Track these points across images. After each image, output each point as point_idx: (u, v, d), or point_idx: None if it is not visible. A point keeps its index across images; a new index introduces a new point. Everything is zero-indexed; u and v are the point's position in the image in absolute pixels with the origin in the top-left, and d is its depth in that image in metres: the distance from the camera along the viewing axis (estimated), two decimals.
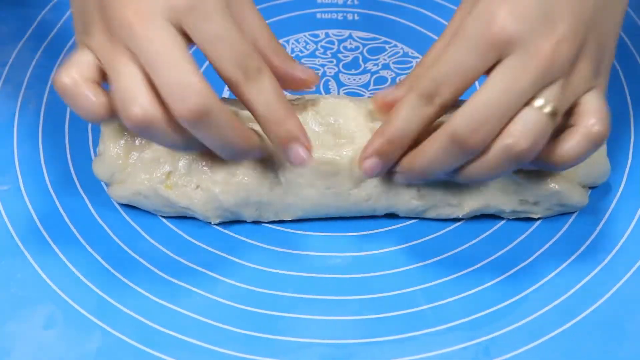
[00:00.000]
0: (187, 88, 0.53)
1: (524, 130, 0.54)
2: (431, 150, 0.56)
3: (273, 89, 0.56)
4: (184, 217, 0.64)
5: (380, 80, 0.73)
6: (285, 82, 0.59)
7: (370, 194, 0.62)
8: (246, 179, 0.61)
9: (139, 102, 0.53)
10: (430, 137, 0.56)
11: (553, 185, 0.62)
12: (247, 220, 0.64)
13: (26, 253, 0.63)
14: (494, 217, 0.65)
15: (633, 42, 0.74)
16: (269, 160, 0.61)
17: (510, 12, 0.53)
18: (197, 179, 0.62)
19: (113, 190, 0.63)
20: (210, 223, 0.64)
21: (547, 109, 0.54)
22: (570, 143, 0.55)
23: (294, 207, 0.63)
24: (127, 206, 0.65)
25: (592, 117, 0.55)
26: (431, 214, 0.64)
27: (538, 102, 0.54)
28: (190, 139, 0.56)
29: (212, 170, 0.62)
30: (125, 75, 0.54)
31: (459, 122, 0.54)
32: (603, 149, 0.63)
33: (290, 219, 0.64)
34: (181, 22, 0.54)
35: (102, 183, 0.66)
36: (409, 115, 0.56)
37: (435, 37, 0.74)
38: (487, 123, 0.54)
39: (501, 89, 0.53)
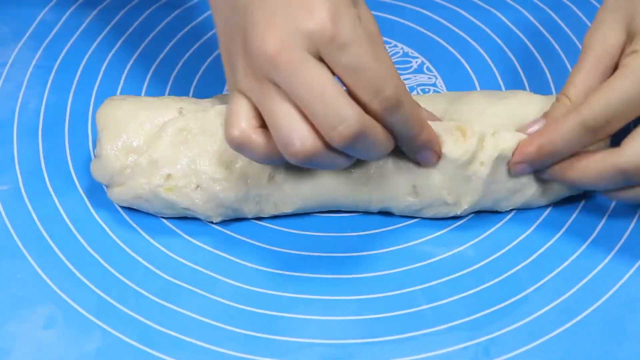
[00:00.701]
0: (338, 117, 0.53)
1: None
2: (593, 173, 0.59)
3: (411, 115, 0.57)
4: (184, 218, 0.64)
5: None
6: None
7: (368, 177, 0.62)
8: (245, 173, 0.62)
9: (297, 138, 0.54)
10: (594, 158, 0.59)
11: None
12: (248, 216, 0.64)
13: (26, 253, 0.63)
14: (494, 217, 0.65)
15: None
16: None
17: None
18: (197, 179, 0.62)
19: (113, 193, 0.63)
20: (212, 222, 0.64)
21: None
22: None
23: (293, 195, 0.63)
24: (127, 206, 0.65)
25: None
26: (428, 214, 0.64)
27: None
28: (350, 157, 0.57)
29: (211, 168, 0.62)
30: (278, 114, 0.54)
31: (631, 155, 0.58)
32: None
33: (290, 211, 0.64)
34: (319, 52, 0.54)
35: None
36: (571, 139, 0.59)
37: (436, 37, 0.75)
38: None
39: None
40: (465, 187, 0.62)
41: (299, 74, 0.53)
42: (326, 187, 0.62)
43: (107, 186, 0.64)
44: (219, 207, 0.63)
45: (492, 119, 0.63)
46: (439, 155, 0.61)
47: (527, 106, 0.63)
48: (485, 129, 0.62)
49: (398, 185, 0.62)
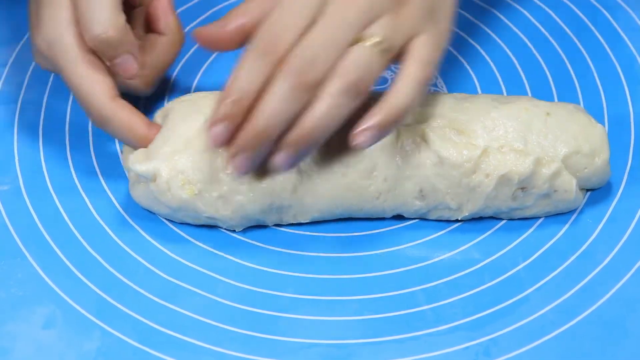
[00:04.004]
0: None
1: (350, 64, 0.56)
2: (270, 95, 0.56)
3: (123, 129, 0.62)
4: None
5: (380, 81, 0.73)
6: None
7: (380, 190, 0.62)
8: (271, 185, 0.61)
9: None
10: (268, 86, 0.57)
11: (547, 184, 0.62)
12: (268, 224, 0.64)
13: (26, 253, 0.63)
14: (494, 217, 0.65)
15: (633, 42, 0.75)
16: None
17: None
18: (224, 188, 0.61)
19: (138, 189, 0.63)
20: (234, 231, 0.64)
21: (374, 42, 0.57)
22: (397, 88, 0.58)
23: (312, 207, 0.63)
24: (127, 206, 0.65)
25: (415, 61, 0.58)
26: (433, 216, 0.64)
27: (365, 37, 0.57)
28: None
29: (238, 179, 0.61)
30: None
31: (292, 58, 0.56)
32: (607, 155, 0.63)
33: (306, 221, 0.64)
34: None
35: (102, 181, 0.66)
36: (249, 71, 0.57)
37: None
38: (319, 56, 0.56)
39: (328, 24, 0.56)
40: (468, 195, 0.62)
41: None
42: (342, 201, 0.63)
43: (134, 181, 0.63)
44: (243, 219, 0.62)
45: (495, 122, 0.62)
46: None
47: (530, 111, 0.63)
48: (491, 143, 0.62)
49: (406, 191, 0.62)
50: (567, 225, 0.64)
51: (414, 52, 0.58)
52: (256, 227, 0.64)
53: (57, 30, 0.62)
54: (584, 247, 0.63)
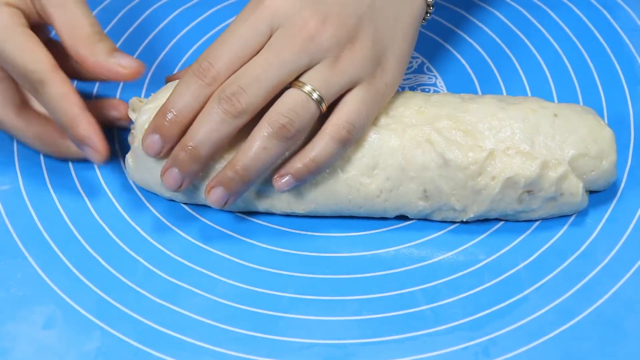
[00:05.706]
0: None
1: (282, 107, 0.58)
2: (200, 116, 0.58)
3: (58, 97, 0.60)
4: (185, 217, 0.65)
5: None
6: (97, 74, 0.62)
7: (381, 188, 0.62)
8: None
9: None
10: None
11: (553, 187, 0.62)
12: (259, 209, 0.64)
13: (26, 253, 0.63)
14: (498, 219, 0.65)
15: (633, 42, 0.75)
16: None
17: None
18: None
19: (134, 172, 0.64)
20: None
21: (308, 88, 0.58)
22: (319, 144, 0.59)
23: (306, 197, 0.63)
24: (127, 206, 0.65)
25: (339, 119, 0.59)
26: (437, 217, 0.64)
27: (301, 80, 0.58)
28: None
29: (227, 156, 0.62)
30: None
31: (225, 85, 0.58)
32: (614, 157, 0.63)
33: (302, 212, 0.64)
34: None
35: (102, 181, 0.66)
36: (182, 90, 0.59)
37: (436, 38, 0.75)
38: (250, 88, 0.58)
39: (265, 59, 0.58)
40: (473, 197, 0.62)
41: None
42: (341, 196, 0.63)
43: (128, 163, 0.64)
44: None
45: (501, 123, 0.62)
46: (101, 154, 0.61)
47: (537, 112, 0.63)
48: (497, 145, 0.62)
49: (410, 191, 0.62)
50: (566, 226, 0.64)
51: (342, 107, 0.59)
52: (256, 227, 0.64)
53: None
54: (583, 247, 0.63)
